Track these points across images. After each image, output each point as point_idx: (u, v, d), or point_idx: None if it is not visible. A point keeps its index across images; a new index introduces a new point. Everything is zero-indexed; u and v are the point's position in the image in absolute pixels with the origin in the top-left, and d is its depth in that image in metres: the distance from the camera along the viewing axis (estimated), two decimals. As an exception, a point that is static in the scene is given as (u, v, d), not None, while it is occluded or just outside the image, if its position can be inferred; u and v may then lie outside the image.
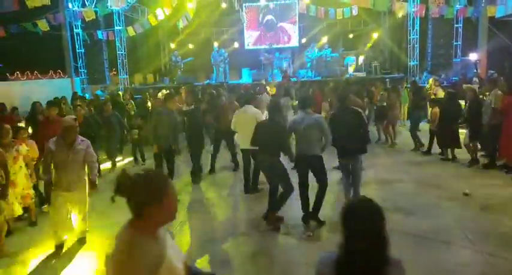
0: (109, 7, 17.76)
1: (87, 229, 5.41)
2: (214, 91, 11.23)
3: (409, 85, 13.34)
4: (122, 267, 1.75)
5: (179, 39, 20.95)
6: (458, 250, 4.74)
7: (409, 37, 17.39)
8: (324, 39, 19.37)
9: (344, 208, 1.91)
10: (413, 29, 17.23)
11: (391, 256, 1.82)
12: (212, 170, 8.51)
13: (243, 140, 6.93)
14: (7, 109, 9.66)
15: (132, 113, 11.36)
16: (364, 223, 1.80)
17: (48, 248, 5.12)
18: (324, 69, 18.52)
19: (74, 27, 18.42)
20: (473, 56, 16.85)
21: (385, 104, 10.70)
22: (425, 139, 9.65)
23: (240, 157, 7.73)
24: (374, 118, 11.20)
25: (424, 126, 10.25)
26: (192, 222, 6.01)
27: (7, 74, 22.10)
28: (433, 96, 10.98)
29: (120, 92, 13.49)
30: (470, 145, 8.19)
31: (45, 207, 6.46)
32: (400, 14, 16.82)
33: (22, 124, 8.19)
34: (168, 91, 13.20)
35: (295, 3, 20.64)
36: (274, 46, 20.66)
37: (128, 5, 18.31)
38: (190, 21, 18.98)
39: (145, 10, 19.54)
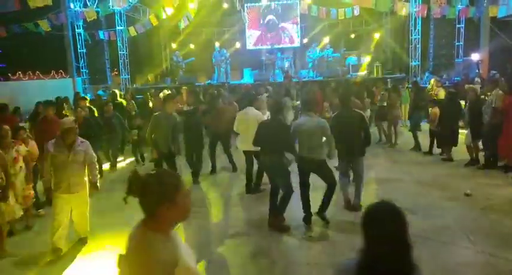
0: (111, 7, 17.80)
1: (88, 229, 5.39)
2: (215, 91, 11.24)
3: (410, 85, 13.32)
4: (140, 267, 1.75)
5: (180, 40, 20.95)
6: (459, 250, 4.73)
7: (410, 37, 17.37)
8: (326, 40, 19.36)
9: (365, 211, 1.85)
10: (415, 29, 17.21)
11: (414, 266, 1.77)
12: (213, 171, 8.51)
13: (244, 142, 6.92)
14: (9, 109, 9.68)
15: (133, 113, 11.35)
16: (386, 227, 1.75)
17: (50, 248, 5.09)
18: (326, 70, 18.50)
19: (76, 27, 18.46)
20: (475, 56, 16.84)
21: (385, 104, 10.71)
22: (425, 140, 9.66)
23: (237, 158, 7.74)
24: (374, 118, 11.20)
25: (424, 127, 10.24)
26: (193, 222, 5.99)
27: (9, 74, 22.17)
28: (434, 97, 10.99)
29: (117, 91, 13.42)
30: (471, 145, 8.18)
31: (40, 211, 6.46)
32: (401, 14, 16.79)
33: (25, 124, 8.21)
34: (169, 91, 13.23)
35: (297, 3, 20.62)
36: (276, 46, 20.65)
37: (129, 5, 18.34)
38: (192, 21, 19.00)
39: (147, 10, 19.56)
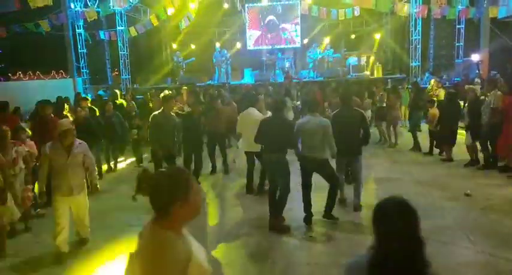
0: (111, 7, 17.84)
1: (88, 230, 5.37)
2: (216, 91, 11.23)
3: (409, 86, 13.34)
4: (153, 266, 1.73)
5: (181, 40, 20.97)
6: (459, 250, 4.74)
7: (411, 38, 17.38)
8: (326, 40, 19.38)
9: (376, 207, 1.84)
10: (415, 30, 17.22)
11: (427, 262, 1.74)
12: (213, 171, 8.52)
13: (246, 142, 6.90)
14: (9, 108, 9.66)
15: (133, 113, 11.35)
16: (398, 223, 1.73)
17: (50, 249, 5.06)
18: (326, 70, 18.52)
19: (76, 27, 18.48)
20: (475, 57, 16.85)
21: (384, 104, 10.73)
22: (425, 140, 9.67)
23: (239, 159, 7.72)
24: (374, 119, 11.22)
25: (424, 127, 10.25)
26: (193, 222, 6.00)
27: (9, 74, 22.19)
28: (434, 98, 10.99)
29: (118, 91, 13.43)
30: (471, 145, 8.20)
31: (39, 210, 6.42)
32: (402, 15, 16.80)
33: (25, 124, 8.19)
34: (170, 92, 13.20)
35: (297, 3, 20.63)
36: (277, 47, 20.66)
37: (130, 5, 18.35)
38: (192, 21, 19.02)
39: (148, 10, 19.58)
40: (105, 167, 9.12)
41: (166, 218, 1.80)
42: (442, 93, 11.42)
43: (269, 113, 7.02)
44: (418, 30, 17.18)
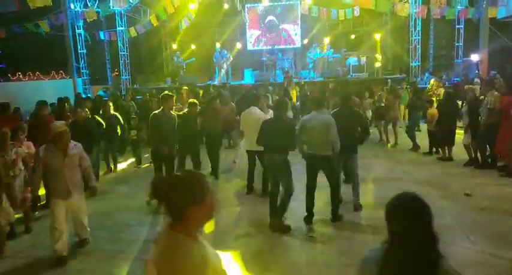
0: (111, 8, 17.84)
1: (88, 230, 5.32)
2: (216, 91, 11.22)
3: (408, 86, 13.36)
4: (172, 273, 1.72)
5: (181, 40, 20.98)
6: (459, 250, 4.74)
7: (410, 38, 17.39)
8: (326, 40, 19.38)
9: (390, 203, 1.86)
10: (415, 30, 17.24)
11: (441, 254, 1.77)
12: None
13: (248, 141, 6.88)
14: (11, 109, 9.67)
15: (133, 114, 11.37)
16: (411, 218, 1.76)
17: (50, 251, 4.99)
18: (326, 70, 18.53)
19: (76, 27, 18.47)
20: (474, 57, 16.88)
21: (383, 104, 10.75)
22: (425, 140, 9.68)
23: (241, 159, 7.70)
24: (374, 118, 11.24)
25: (423, 127, 10.27)
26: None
27: (9, 74, 22.18)
28: (434, 98, 11.01)
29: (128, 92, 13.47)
30: (470, 144, 8.22)
31: (36, 213, 6.40)
32: (402, 15, 16.82)
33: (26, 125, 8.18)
34: (170, 93, 13.19)
35: (297, 4, 20.64)
36: (277, 47, 20.66)
37: (129, 6, 18.36)
38: (192, 21, 19.02)
39: (148, 11, 19.58)
40: (104, 168, 9.12)
41: (182, 222, 1.78)
42: (442, 93, 11.44)
43: (270, 112, 7.04)
44: (418, 30, 17.19)
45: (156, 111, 6.82)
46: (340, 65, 19.12)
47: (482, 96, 9.05)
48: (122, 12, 18.77)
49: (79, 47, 18.82)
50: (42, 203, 6.55)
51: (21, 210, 5.61)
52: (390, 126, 10.77)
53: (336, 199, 5.71)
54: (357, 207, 6.04)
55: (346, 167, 6.48)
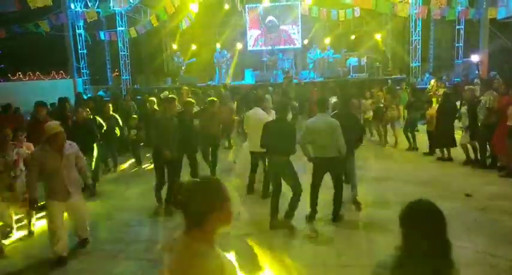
0: (111, 8, 17.84)
1: (88, 229, 5.29)
2: (214, 92, 11.19)
3: (407, 86, 13.37)
4: None
5: (181, 40, 20.98)
6: (459, 250, 4.70)
7: (411, 38, 17.40)
8: (327, 41, 19.39)
9: (404, 209, 1.89)
10: (415, 31, 17.25)
11: (453, 263, 1.80)
12: (212, 174, 8.23)
13: (251, 142, 6.84)
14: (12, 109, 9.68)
15: (133, 114, 11.33)
16: (426, 225, 1.80)
17: (50, 251, 4.96)
18: (327, 70, 18.54)
19: (76, 27, 18.51)
20: (474, 58, 16.89)
21: (381, 105, 10.77)
22: (424, 140, 9.69)
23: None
24: (373, 119, 11.25)
25: (423, 127, 10.27)
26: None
27: (9, 74, 22.18)
28: (434, 98, 11.02)
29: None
30: (468, 144, 8.24)
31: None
32: (402, 16, 16.82)
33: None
34: (167, 93, 13.18)
35: (297, 4, 20.64)
36: (277, 47, 20.66)
37: (130, 6, 18.37)
38: (193, 22, 19.03)
39: (148, 11, 19.59)
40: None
41: (200, 229, 1.75)
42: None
43: (273, 113, 7.03)
44: (418, 31, 17.21)
45: (158, 114, 6.74)
46: (341, 65, 19.13)
47: (482, 97, 9.08)
48: (122, 12, 18.80)
49: (79, 47, 18.84)
50: (42, 203, 6.53)
51: (23, 211, 5.56)
52: (390, 127, 10.77)
53: (338, 199, 5.72)
54: (356, 205, 6.14)
55: (344, 168, 6.51)
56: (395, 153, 9.96)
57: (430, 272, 1.76)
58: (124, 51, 19.42)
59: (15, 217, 5.65)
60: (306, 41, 21.06)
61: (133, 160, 9.87)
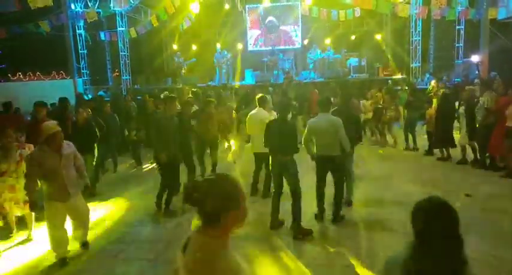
0: (111, 8, 17.85)
1: (88, 230, 5.26)
2: (213, 93, 11.18)
3: (407, 87, 13.37)
4: None
5: (182, 41, 20.98)
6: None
7: (411, 39, 17.40)
8: (327, 41, 19.39)
9: (416, 207, 1.89)
10: (415, 31, 17.25)
11: (466, 260, 1.80)
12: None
13: (255, 143, 6.82)
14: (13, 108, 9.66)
15: (133, 114, 11.34)
16: (438, 222, 1.79)
17: (51, 252, 4.98)
18: (327, 71, 18.54)
19: (77, 28, 18.53)
20: (475, 58, 16.87)
21: (380, 105, 10.78)
22: (422, 140, 9.71)
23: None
24: (372, 119, 11.27)
25: (419, 128, 10.27)
26: (195, 223, 6.00)
27: (9, 74, 22.18)
28: (435, 99, 11.01)
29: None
30: (467, 144, 8.25)
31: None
32: (402, 16, 16.82)
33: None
34: (170, 94, 13.18)
35: (298, 5, 20.65)
36: (277, 48, 20.66)
37: (130, 6, 18.37)
38: (193, 22, 19.04)
39: (148, 11, 19.60)
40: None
41: (216, 228, 1.72)
42: (443, 94, 11.44)
43: (274, 113, 7.03)
44: (418, 31, 17.20)
45: (158, 115, 6.67)
46: (341, 65, 19.13)
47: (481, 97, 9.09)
48: (123, 12, 18.81)
49: (79, 48, 18.86)
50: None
51: (24, 212, 5.51)
52: (393, 127, 10.79)
53: (339, 200, 5.75)
54: (349, 203, 6.26)
55: (344, 167, 6.53)
56: (395, 153, 9.97)
57: (444, 269, 1.77)
58: (124, 52, 19.44)
59: (16, 217, 5.65)
60: (306, 41, 21.06)
61: (133, 161, 9.88)
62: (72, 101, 12.08)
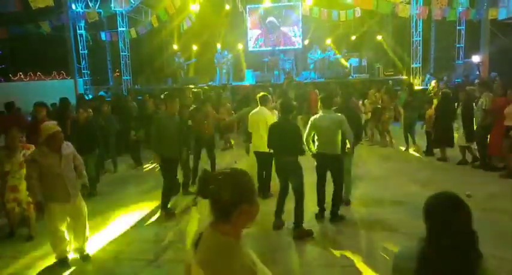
0: (112, 8, 17.87)
1: (87, 235, 5.08)
2: (212, 93, 11.17)
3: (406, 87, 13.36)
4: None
5: (182, 41, 20.98)
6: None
7: (411, 39, 17.39)
8: (327, 41, 19.38)
9: (428, 202, 1.90)
10: (416, 31, 17.24)
11: (480, 254, 1.79)
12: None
13: (256, 142, 6.78)
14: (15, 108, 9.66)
15: (134, 114, 11.36)
16: (451, 217, 1.80)
17: (51, 253, 4.94)
18: (327, 71, 18.54)
19: (77, 28, 18.52)
20: (475, 58, 16.88)
21: (379, 105, 10.78)
22: (421, 140, 9.71)
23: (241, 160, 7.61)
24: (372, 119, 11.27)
25: (418, 128, 10.27)
26: (194, 223, 6.02)
27: (10, 74, 22.22)
28: (435, 99, 11.01)
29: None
30: (465, 145, 8.24)
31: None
32: (403, 16, 16.82)
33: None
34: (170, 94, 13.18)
35: (298, 5, 20.65)
36: (277, 48, 20.66)
37: (131, 6, 18.39)
38: (194, 22, 19.04)
39: (149, 11, 19.61)
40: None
41: (228, 223, 1.69)
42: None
43: (276, 113, 7.03)
44: (419, 31, 17.19)
45: (159, 113, 6.63)
46: (341, 66, 19.13)
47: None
48: (123, 12, 18.82)
49: (80, 48, 18.85)
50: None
51: (28, 212, 5.52)
52: (390, 127, 10.79)
53: (338, 199, 5.76)
54: (347, 202, 6.27)
55: (343, 166, 6.54)
56: (395, 153, 9.97)
57: (459, 263, 1.76)
58: (125, 52, 19.45)
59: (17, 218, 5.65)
60: (306, 42, 21.06)
61: (133, 161, 9.88)
62: (73, 101, 12.11)
